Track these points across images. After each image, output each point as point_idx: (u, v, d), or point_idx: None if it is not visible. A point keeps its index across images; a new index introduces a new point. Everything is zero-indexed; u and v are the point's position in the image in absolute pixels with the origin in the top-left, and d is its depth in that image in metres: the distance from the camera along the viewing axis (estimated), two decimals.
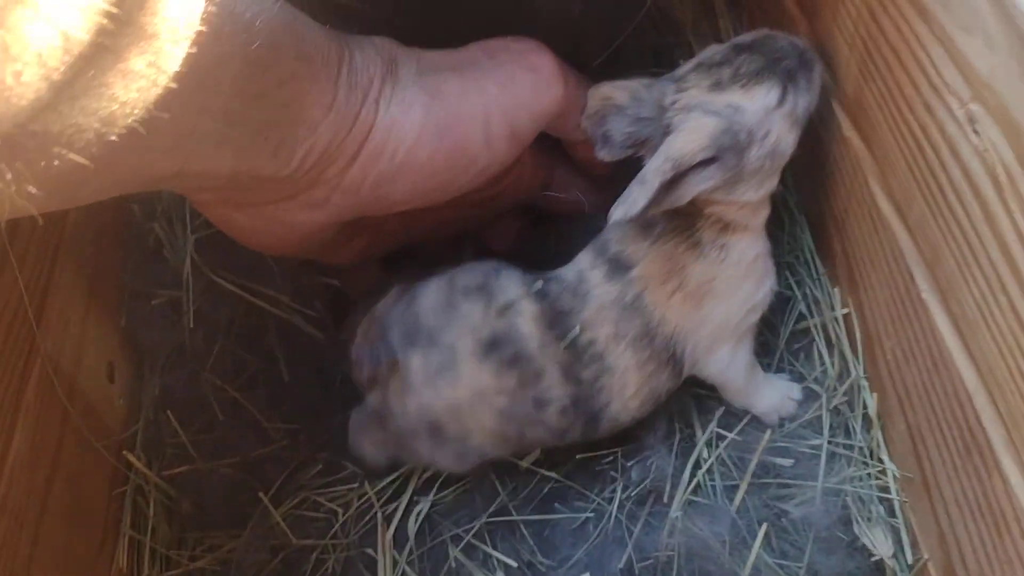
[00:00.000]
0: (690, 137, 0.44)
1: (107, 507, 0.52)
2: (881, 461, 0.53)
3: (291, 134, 0.42)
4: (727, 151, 0.45)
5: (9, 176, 0.27)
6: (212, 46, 0.33)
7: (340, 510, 0.52)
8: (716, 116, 0.44)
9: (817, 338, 0.57)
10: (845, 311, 0.56)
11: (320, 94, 0.43)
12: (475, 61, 0.49)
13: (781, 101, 0.46)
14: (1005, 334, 0.39)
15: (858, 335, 0.55)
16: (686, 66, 0.47)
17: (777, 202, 0.62)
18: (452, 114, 0.46)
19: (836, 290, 0.57)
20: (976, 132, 0.39)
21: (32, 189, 0.28)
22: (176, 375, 0.55)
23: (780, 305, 0.57)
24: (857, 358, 0.55)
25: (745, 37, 0.47)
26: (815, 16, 0.56)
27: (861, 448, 0.53)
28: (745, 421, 0.55)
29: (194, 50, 0.32)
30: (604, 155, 0.48)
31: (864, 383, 0.54)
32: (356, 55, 0.45)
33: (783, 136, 0.47)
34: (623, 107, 0.48)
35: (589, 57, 0.68)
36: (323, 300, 0.57)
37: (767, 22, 0.64)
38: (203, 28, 0.32)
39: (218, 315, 0.55)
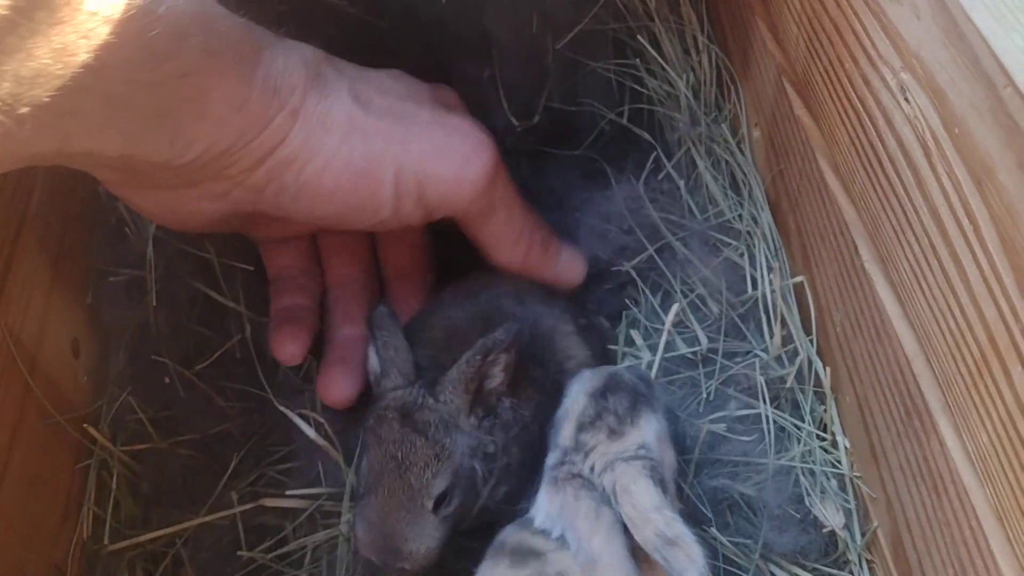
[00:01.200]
0: (643, 488, 0.44)
1: (70, 481, 0.53)
2: (833, 435, 0.54)
3: (191, 127, 0.41)
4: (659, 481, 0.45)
5: None
6: (104, 28, 0.33)
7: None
8: (638, 459, 0.45)
9: (769, 312, 0.58)
10: (797, 280, 0.57)
11: (228, 92, 0.41)
12: (416, 113, 0.48)
13: (660, 425, 0.48)
14: (937, 297, 0.40)
15: (812, 310, 0.56)
16: (565, 432, 0.47)
17: (739, 180, 0.63)
18: (367, 154, 0.45)
19: (787, 265, 0.58)
20: (907, 100, 0.40)
21: None
22: (139, 353, 0.55)
23: (735, 281, 0.58)
24: (811, 333, 0.56)
25: (594, 382, 0.49)
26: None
27: (810, 423, 0.54)
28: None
29: (85, 30, 0.32)
30: None
31: (815, 358, 0.55)
32: (278, 59, 0.44)
33: (669, 453, 0.48)
34: None
35: (554, 40, 0.69)
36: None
37: (726, 6, 0.66)
38: (95, 9, 0.32)
39: (180, 294, 0.56)
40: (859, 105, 0.45)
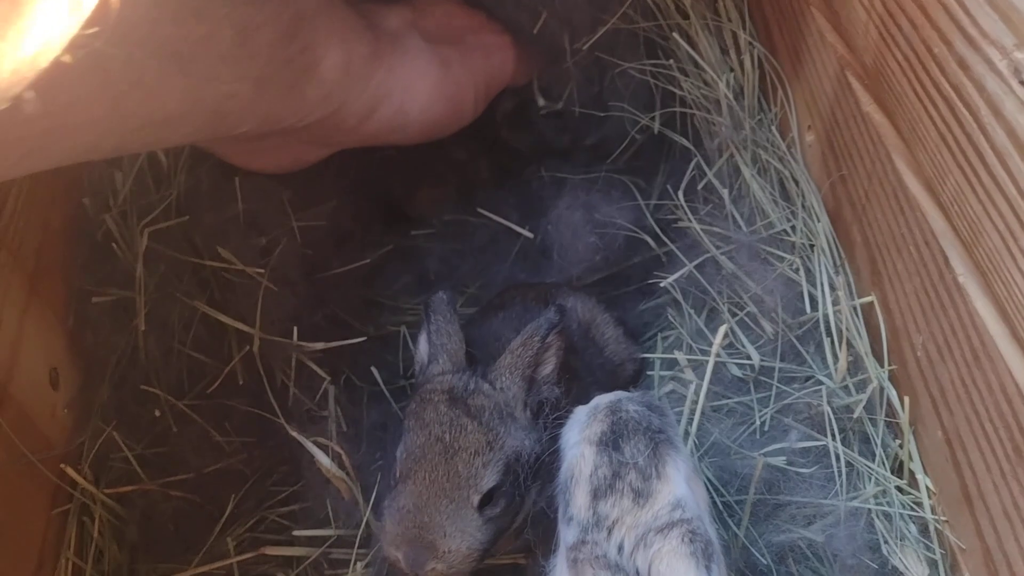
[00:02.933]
0: (684, 569, 0.35)
1: (45, 528, 0.47)
2: (912, 473, 0.47)
3: (315, 92, 0.48)
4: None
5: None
6: (253, 15, 0.41)
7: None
8: (675, 527, 0.36)
9: (832, 336, 0.52)
10: (867, 300, 0.51)
11: (337, 57, 0.48)
12: (464, 32, 0.59)
13: (687, 464, 0.39)
14: None
15: (883, 332, 0.49)
16: (579, 502, 0.38)
17: (790, 189, 0.58)
18: (455, 81, 0.56)
19: (853, 281, 0.52)
20: (1023, 83, 0.34)
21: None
22: (126, 382, 0.49)
23: (790, 299, 0.52)
24: (883, 358, 0.49)
25: (598, 426, 0.39)
26: None
27: (883, 459, 0.48)
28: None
29: (239, 19, 0.40)
30: None
31: (889, 386, 0.49)
32: (370, 23, 0.53)
33: (700, 489, 0.40)
34: None
35: (573, 40, 0.64)
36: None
37: (774, 3, 0.60)
38: None
39: (172, 316, 0.50)
40: (952, 95, 0.39)
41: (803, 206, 0.57)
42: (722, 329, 0.52)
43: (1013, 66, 0.34)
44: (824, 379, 0.50)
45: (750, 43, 0.61)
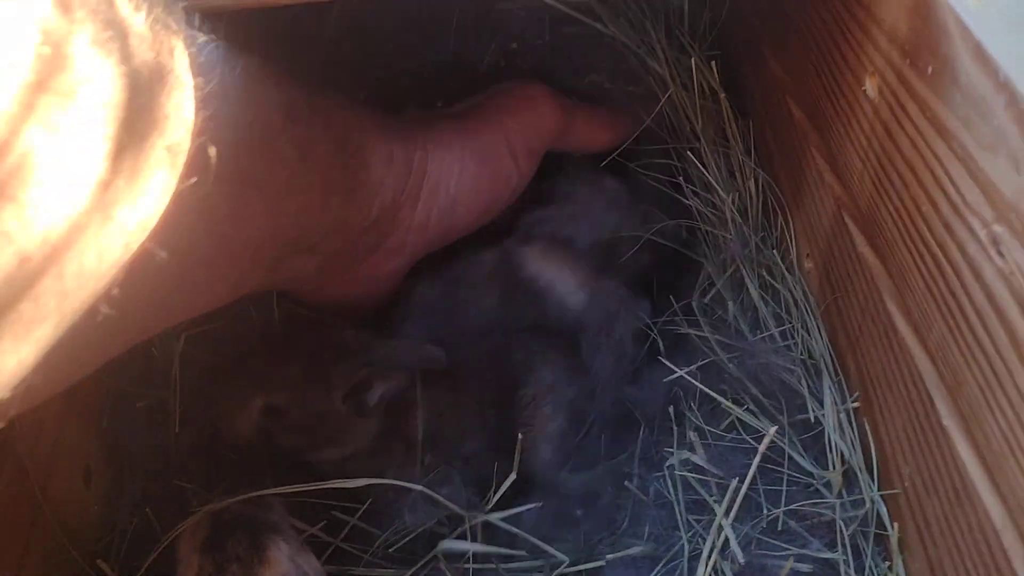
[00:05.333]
0: None
1: None
2: None
3: (369, 192, 0.52)
4: None
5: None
6: (307, 132, 0.45)
7: None
8: None
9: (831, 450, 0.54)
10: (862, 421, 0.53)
11: (379, 155, 0.52)
12: (480, 104, 0.60)
13: (290, 544, 0.43)
14: None
15: (875, 458, 0.52)
16: None
17: (790, 309, 0.61)
18: (484, 144, 0.57)
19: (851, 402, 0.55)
20: (1001, 254, 0.37)
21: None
22: (157, 481, 0.52)
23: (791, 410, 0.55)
24: (872, 480, 0.52)
25: (201, 535, 0.44)
26: (826, 129, 0.55)
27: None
28: None
29: (297, 137, 0.44)
30: None
31: (883, 505, 0.51)
32: (394, 120, 0.56)
33: (311, 562, 0.45)
34: None
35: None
36: None
37: (775, 132, 0.64)
38: (298, 118, 0.45)
39: (205, 418, 0.53)
40: (939, 252, 0.42)
41: (804, 327, 0.60)
42: (766, 438, 0.54)
43: (992, 237, 0.38)
44: (822, 489, 0.53)
45: (754, 169, 0.64)
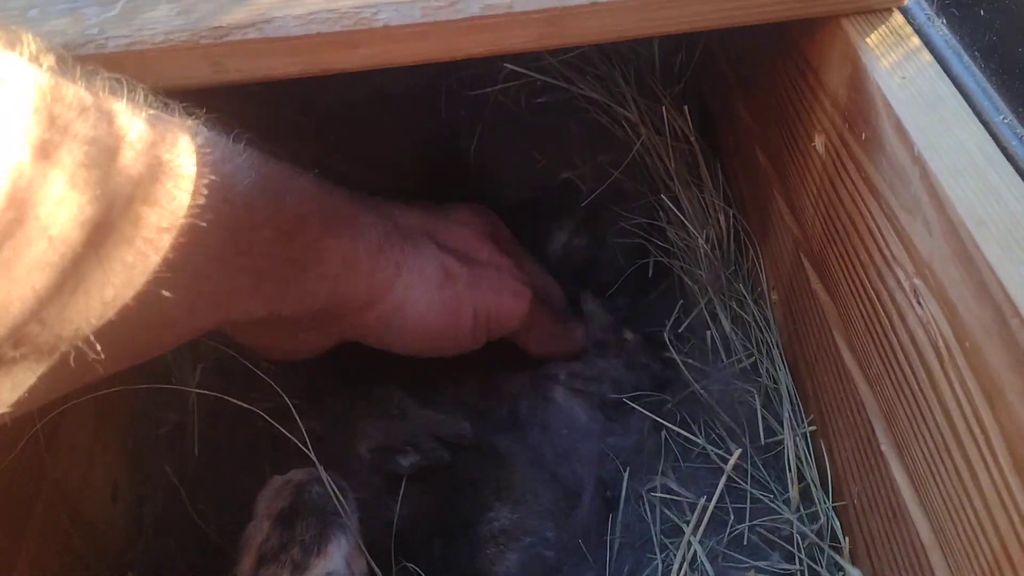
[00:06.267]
0: None
1: None
2: None
3: (316, 285, 0.50)
4: None
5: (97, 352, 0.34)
6: (246, 218, 0.42)
7: None
8: None
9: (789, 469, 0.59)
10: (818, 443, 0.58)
11: (343, 252, 0.51)
12: (480, 261, 0.60)
13: (349, 544, 0.48)
14: (951, 494, 0.41)
15: (829, 476, 0.57)
16: (245, 564, 0.46)
17: (757, 337, 0.66)
18: (457, 298, 0.57)
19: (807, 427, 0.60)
20: (920, 304, 0.42)
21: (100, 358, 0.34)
22: (177, 499, 0.57)
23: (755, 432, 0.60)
24: (827, 497, 0.57)
25: (280, 501, 0.48)
26: (786, 176, 0.60)
27: None
28: None
29: (229, 220, 0.40)
30: None
31: (836, 523, 0.56)
32: (379, 222, 0.54)
33: (360, 565, 0.48)
34: None
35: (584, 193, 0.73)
36: None
37: (745, 174, 0.69)
38: (236, 201, 0.41)
39: (222, 440, 0.58)
40: (874, 296, 0.47)
41: (768, 355, 0.65)
42: (731, 461, 0.59)
43: (913, 288, 0.43)
44: (782, 507, 0.58)
45: (723, 207, 0.70)
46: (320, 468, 0.49)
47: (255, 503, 0.49)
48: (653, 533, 0.59)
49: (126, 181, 0.34)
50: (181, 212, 0.37)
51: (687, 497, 0.60)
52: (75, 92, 0.32)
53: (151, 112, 0.37)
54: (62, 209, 0.30)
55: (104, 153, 0.33)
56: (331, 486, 0.48)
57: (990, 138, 0.41)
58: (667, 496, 0.61)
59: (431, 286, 0.55)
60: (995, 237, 0.37)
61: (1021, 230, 0.37)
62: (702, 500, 0.58)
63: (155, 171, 0.35)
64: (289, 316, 0.49)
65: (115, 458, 0.58)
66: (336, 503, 0.49)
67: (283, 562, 0.44)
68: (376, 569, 0.50)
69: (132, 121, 0.35)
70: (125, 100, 0.36)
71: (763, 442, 0.60)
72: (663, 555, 0.58)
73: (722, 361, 0.66)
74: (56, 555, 0.51)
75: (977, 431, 0.38)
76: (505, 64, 0.72)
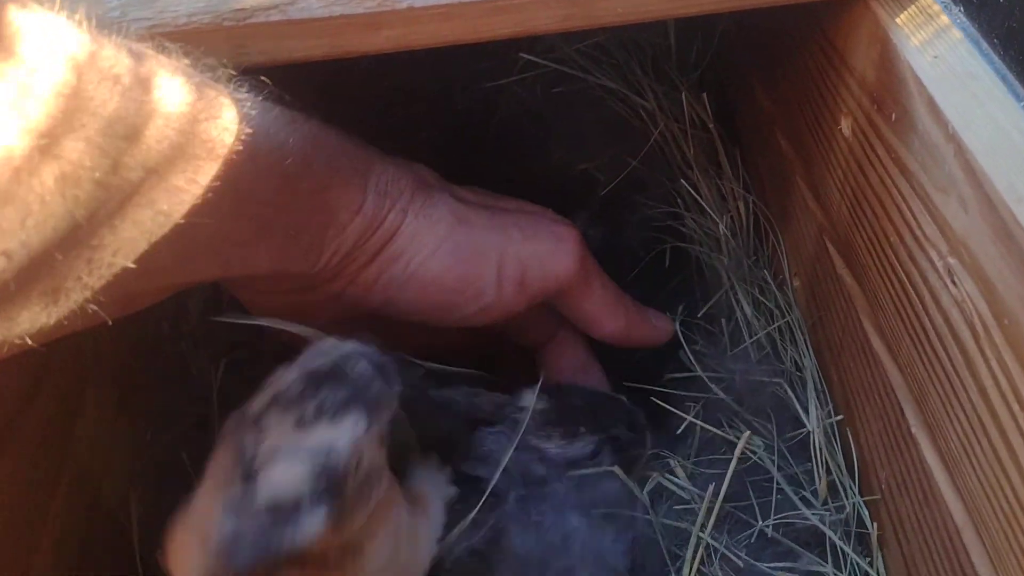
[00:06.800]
0: (284, 480, 0.37)
1: None
2: None
3: (321, 236, 0.46)
4: (324, 493, 0.38)
5: (81, 289, 0.32)
6: (248, 163, 0.38)
7: None
8: (306, 461, 0.38)
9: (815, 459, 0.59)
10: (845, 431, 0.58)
11: (349, 199, 0.47)
12: (508, 208, 0.52)
13: (368, 428, 0.40)
14: (988, 473, 0.41)
15: (856, 463, 0.57)
16: (260, 401, 0.41)
17: (783, 329, 0.65)
18: (472, 241, 0.49)
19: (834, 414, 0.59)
20: (955, 283, 0.42)
21: (92, 299, 0.33)
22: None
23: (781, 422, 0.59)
24: (855, 485, 0.57)
25: (318, 362, 0.42)
26: (809, 161, 0.60)
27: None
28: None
29: (232, 167, 0.37)
30: None
31: (864, 509, 0.56)
32: (389, 168, 0.49)
33: (373, 459, 0.42)
34: None
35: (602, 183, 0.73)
36: None
37: (765, 160, 0.69)
38: (240, 148, 0.37)
39: None
40: (904, 279, 0.47)
41: (792, 341, 0.65)
42: (739, 446, 0.58)
43: (947, 268, 0.42)
44: (810, 496, 0.58)
45: (743, 194, 0.69)
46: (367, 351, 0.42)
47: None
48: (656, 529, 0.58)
49: (148, 155, 0.33)
50: (204, 182, 0.36)
51: (696, 492, 0.59)
52: (112, 58, 0.32)
53: (198, 80, 0.37)
54: (57, 187, 0.29)
55: (128, 128, 0.32)
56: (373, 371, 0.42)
57: None
58: (675, 489, 0.60)
59: (440, 229, 0.48)
60: None
61: None
62: (710, 489, 0.57)
63: (188, 143, 0.35)
64: (295, 273, 0.46)
65: (135, 450, 0.58)
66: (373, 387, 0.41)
67: (292, 413, 0.39)
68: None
69: (172, 89, 0.34)
70: (170, 66, 0.35)
71: (789, 432, 0.60)
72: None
73: (744, 348, 0.65)
74: (76, 542, 0.50)
75: (1016, 406, 0.37)
76: (521, 55, 0.71)
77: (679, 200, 0.71)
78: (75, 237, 0.31)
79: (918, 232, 0.45)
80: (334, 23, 0.46)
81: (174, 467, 0.58)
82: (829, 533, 0.55)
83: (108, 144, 0.31)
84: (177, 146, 0.34)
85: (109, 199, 0.32)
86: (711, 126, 0.70)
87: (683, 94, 0.68)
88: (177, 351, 0.60)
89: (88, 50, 0.31)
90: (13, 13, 0.29)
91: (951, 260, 0.42)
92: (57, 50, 0.30)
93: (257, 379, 0.58)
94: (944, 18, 0.47)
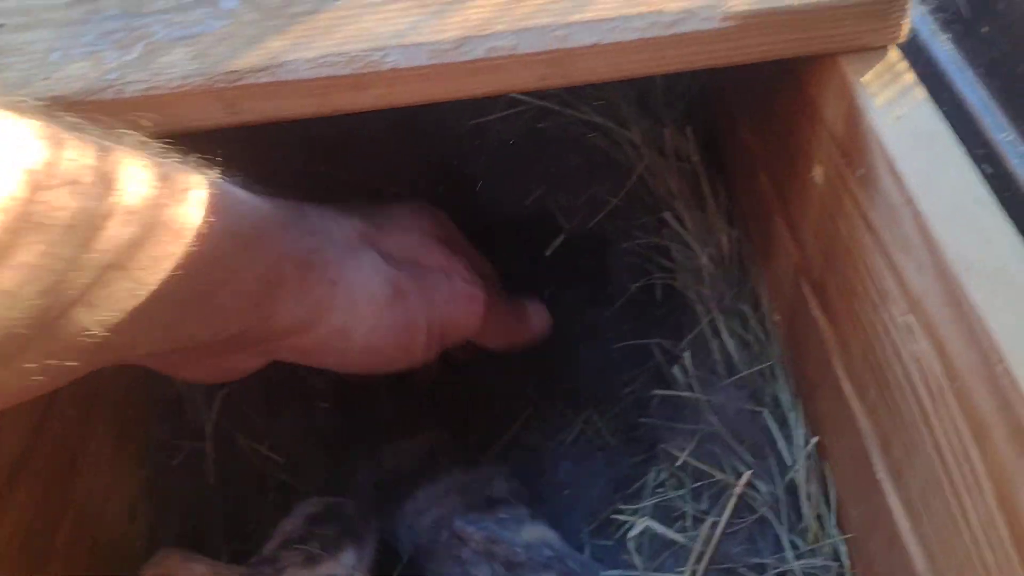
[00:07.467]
0: None
1: None
2: None
3: (231, 305, 0.45)
4: None
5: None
6: (207, 245, 0.40)
7: None
8: None
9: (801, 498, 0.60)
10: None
11: (258, 271, 0.45)
12: (429, 266, 0.56)
13: (360, 557, 0.53)
14: (941, 527, 0.42)
15: (832, 501, 0.58)
16: (272, 543, 0.54)
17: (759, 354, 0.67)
18: (408, 315, 0.53)
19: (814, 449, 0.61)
20: (913, 340, 0.43)
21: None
22: (192, 521, 0.59)
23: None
24: (831, 520, 0.58)
25: (317, 507, 0.55)
26: (788, 202, 0.61)
27: None
28: None
29: (192, 249, 0.39)
30: None
31: (843, 548, 0.57)
32: (306, 236, 0.49)
33: None
34: None
35: (584, 219, 0.75)
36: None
37: (748, 196, 0.70)
38: (203, 230, 0.40)
39: (237, 470, 0.60)
40: (870, 328, 0.48)
41: (772, 374, 0.66)
42: (739, 485, 0.60)
43: (906, 324, 0.44)
44: (796, 540, 0.59)
45: (726, 228, 0.71)
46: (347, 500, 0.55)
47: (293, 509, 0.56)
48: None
49: (107, 251, 0.35)
50: (167, 267, 0.38)
51: (680, 542, 0.60)
52: (75, 159, 0.34)
53: (165, 167, 0.39)
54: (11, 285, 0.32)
55: (87, 229, 0.34)
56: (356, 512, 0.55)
57: (981, 181, 0.42)
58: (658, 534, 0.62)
59: (378, 305, 0.50)
60: (982, 282, 0.38)
61: (1008, 275, 0.38)
62: (707, 524, 0.59)
63: (151, 232, 0.37)
64: (207, 341, 0.45)
65: (133, 482, 0.60)
66: (359, 524, 0.55)
67: (301, 551, 0.50)
68: None
69: (136, 181, 0.36)
70: (134, 157, 0.37)
71: (770, 466, 0.62)
72: None
73: (726, 380, 0.67)
74: (82, 569, 0.53)
75: (966, 468, 0.39)
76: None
77: (664, 231, 0.73)
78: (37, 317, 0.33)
79: (881, 286, 0.46)
80: (321, 84, 0.48)
81: (171, 501, 0.61)
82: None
83: (64, 250, 0.33)
84: (139, 236, 0.36)
85: (68, 289, 0.34)
86: (695, 160, 0.72)
87: (666, 129, 0.69)
88: (172, 386, 0.63)
89: (46, 158, 0.33)
90: None
91: (910, 318, 0.43)
92: (12, 162, 0.31)
93: (249, 414, 0.61)
94: (909, 76, 0.48)
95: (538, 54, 0.48)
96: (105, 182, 0.35)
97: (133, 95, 0.48)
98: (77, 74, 0.49)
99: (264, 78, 0.48)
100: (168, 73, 0.48)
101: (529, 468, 0.69)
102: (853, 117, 0.48)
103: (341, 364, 0.53)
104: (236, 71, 0.48)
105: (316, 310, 0.48)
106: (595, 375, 0.76)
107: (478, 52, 0.48)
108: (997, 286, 0.38)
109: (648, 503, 0.62)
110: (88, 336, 0.35)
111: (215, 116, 0.49)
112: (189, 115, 0.49)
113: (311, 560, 0.50)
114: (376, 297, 0.51)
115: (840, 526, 0.57)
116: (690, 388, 0.66)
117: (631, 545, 0.59)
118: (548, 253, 0.77)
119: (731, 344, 0.68)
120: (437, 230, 0.60)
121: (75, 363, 0.36)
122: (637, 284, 0.75)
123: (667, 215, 0.72)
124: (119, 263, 0.36)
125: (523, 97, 0.69)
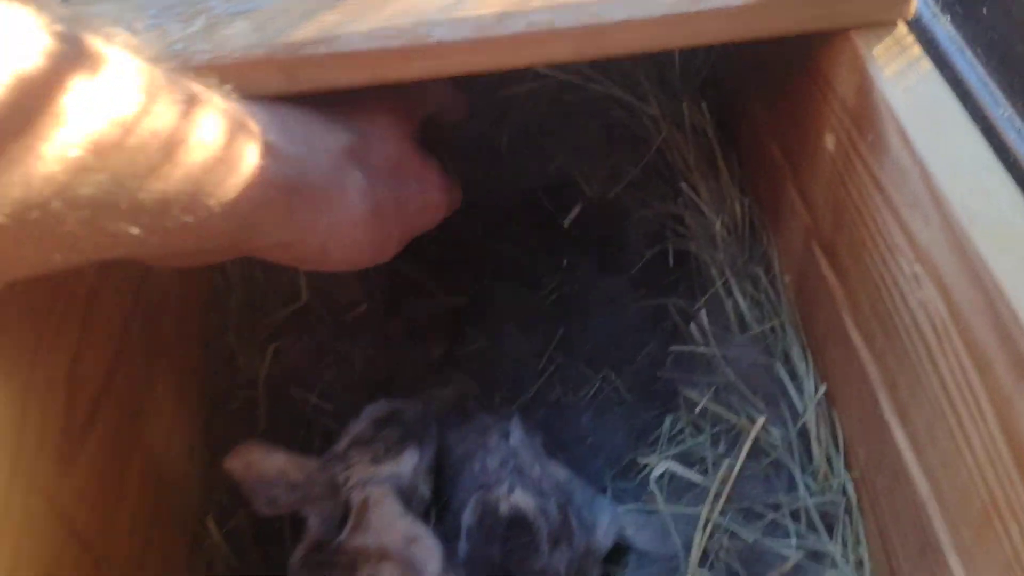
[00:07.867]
0: (388, 502, 0.56)
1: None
2: (860, 557, 0.61)
3: (221, 225, 0.45)
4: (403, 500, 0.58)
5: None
6: (259, 178, 0.45)
7: None
8: (387, 482, 0.57)
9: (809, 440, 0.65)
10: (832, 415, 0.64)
11: (251, 192, 0.45)
12: (407, 176, 0.57)
13: (420, 459, 0.60)
14: (946, 455, 0.47)
15: (841, 444, 0.63)
16: (343, 442, 0.60)
17: (770, 316, 0.72)
18: (385, 233, 0.55)
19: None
20: (920, 287, 0.48)
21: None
22: None
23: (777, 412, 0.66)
24: (840, 461, 0.63)
25: (381, 410, 0.62)
26: (798, 169, 0.65)
27: (842, 544, 0.61)
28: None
29: (250, 180, 0.44)
30: (267, 512, 0.59)
31: (850, 486, 0.62)
32: (301, 151, 0.50)
33: (424, 487, 0.60)
34: (296, 483, 0.58)
35: (605, 188, 0.79)
36: None
37: (759, 165, 0.75)
38: (261, 164, 0.45)
39: (287, 417, 0.64)
40: (878, 281, 0.53)
41: (783, 330, 0.71)
42: (753, 431, 0.64)
43: (914, 274, 0.48)
44: (808, 480, 0.64)
45: (739, 196, 0.75)
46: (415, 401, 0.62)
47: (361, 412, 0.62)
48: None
49: (185, 166, 0.40)
50: (229, 191, 0.43)
51: (700, 479, 0.65)
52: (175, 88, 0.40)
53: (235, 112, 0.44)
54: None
55: (174, 142, 0.39)
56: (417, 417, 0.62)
57: (984, 142, 0.46)
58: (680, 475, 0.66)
59: (357, 227, 0.52)
60: (985, 231, 0.42)
61: (1008, 225, 0.42)
62: (724, 466, 0.63)
63: (221, 160, 0.42)
64: (190, 251, 0.46)
65: (192, 427, 0.65)
66: (419, 429, 0.61)
67: (367, 451, 0.57)
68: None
69: (212, 117, 0.42)
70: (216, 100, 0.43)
71: (779, 413, 0.66)
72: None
73: (737, 337, 0.72)
74: (148, 511, 0.57)
75: (969, 398, 0.44)
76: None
77: (680, 199, 0.77)
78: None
79: (890, 241, 0.51)
80: (373, 56, 0.52)
81: (226, 445, 0.65)
82: (829, 501, 0.61)
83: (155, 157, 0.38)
84: (210, 161, 0.42)
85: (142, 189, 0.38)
86: (710, 133, 0.76)
87: (683, 103, 0.74)
88: (226, 342, 0.67)
89: (159, 80, 0.39)
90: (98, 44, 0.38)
91: (917, 267, 0.48)
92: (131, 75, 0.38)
93: (298, 366, 0.65)
94: (916, 49, 0.53)
95: (573, 28, 0.52)
96: (192, 112, 0.41)
97: (199, 64, 0.52)
98: (144, 46, 0.53)
99: (322, 49, 0.52)
100: (231, 44, 0.52)
101: (551, 421, 0.73)
102: (864, 88, 0.52)
103: (312, 269, 0.56)
104: (294, 43, 0.52)
105: (298, 233, 0.50)
106: (613, 337, 0.80)
107: (519, 26, 0.52)
108: (998, 234, 0.42)
109: (670, 448, 0.66)
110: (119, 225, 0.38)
111: (276, 84, 0.53)
112: (251, 84, 0.52)
113: (376, 460, 0.57)
114: (356, 221, 0.52)
115: (848, 466, 0.62)
116: (706, 344, 0.70)
117: (653, 487, 0.64)
118: (566, 224, 0.82)
119: (744, 304, 0.72)
120: (411, 127, 0.60)
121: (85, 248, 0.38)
122: (652, 250, 0.79)
123: (683, 185, 0.77)
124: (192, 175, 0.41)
125: (548, 72, 0.73)
